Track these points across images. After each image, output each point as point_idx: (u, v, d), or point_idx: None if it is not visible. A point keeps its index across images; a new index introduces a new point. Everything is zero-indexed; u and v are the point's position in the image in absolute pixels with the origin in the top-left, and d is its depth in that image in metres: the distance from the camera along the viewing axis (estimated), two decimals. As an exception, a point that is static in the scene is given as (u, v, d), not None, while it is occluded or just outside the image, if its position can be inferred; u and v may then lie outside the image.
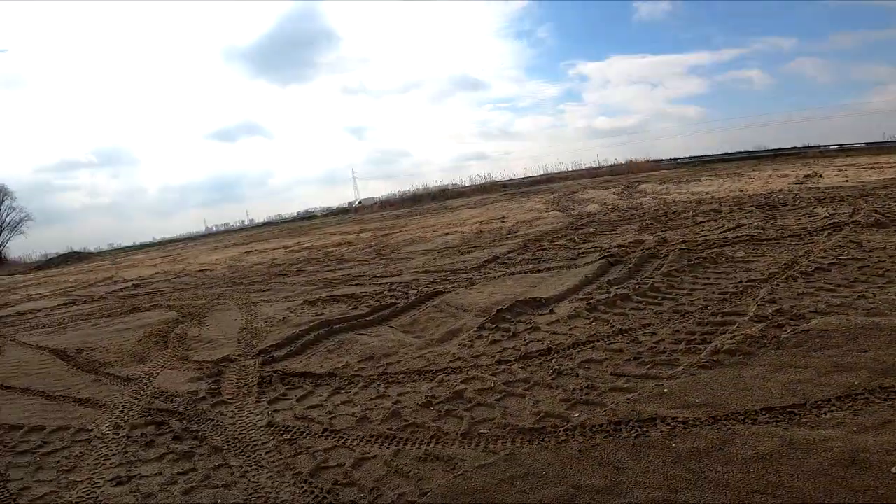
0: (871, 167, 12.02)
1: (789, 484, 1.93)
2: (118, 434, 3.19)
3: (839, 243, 4.66)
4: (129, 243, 34.31)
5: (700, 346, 3.21)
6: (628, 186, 12.76)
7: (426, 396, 3.10)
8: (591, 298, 4.41)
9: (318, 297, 5.99)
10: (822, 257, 4.33)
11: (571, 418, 2.62)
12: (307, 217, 30.92)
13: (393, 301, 5.24)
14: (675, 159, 24.65)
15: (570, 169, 24.24)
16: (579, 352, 3.44)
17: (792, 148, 25.12)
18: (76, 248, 26.99)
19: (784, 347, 3.00)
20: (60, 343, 5.46)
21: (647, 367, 3.06)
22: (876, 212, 5.85)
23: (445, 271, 6.38)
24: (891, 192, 7.48)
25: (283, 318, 5.28)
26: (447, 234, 9.85)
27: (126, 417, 3.42)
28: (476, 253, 7.37)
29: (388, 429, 2.82)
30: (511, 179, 24.11)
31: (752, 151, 24.56)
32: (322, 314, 5.18)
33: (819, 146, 24.30)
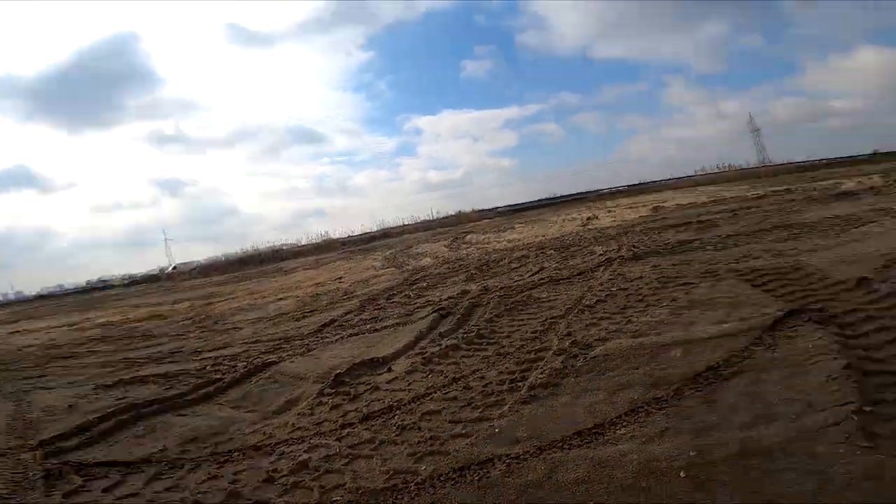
0: (630, 207, 15.45)
1: (608, 501, 2.19)
2: None
3: (611, 276, 5.78)
4: None
5: (520, 384, 3.54)
6: (457, 238, 13.92)
7: (267, 472, 2.88)
8: (426, 352, 4.58)
9: (118, 379, 5.17)
10: (600, 290, 5.29)
11: (420, 471, 2.66)
12: (102, 287, 25.74)
13: (218, 377, 4.76)
14: (496, 208, 27.97)
15: (407, 223, 25.49)
16: (419, 405, 3.53)
17: (578, 193, 30.88)
18: None
19: (581, 374, 3.50)
20: None
21: (480, 410, 3.27)
22: (634, 246, 7.47)
23: (279, 339, 6.04)
24: (643, 228, 9.69)
25: (70, 405, 4.48)
26: (281, 299, 9.27)
27: None
28: (312, 318, 7.09)
29: None
30: (349, 236, 24.16)
31: (551, 198, 29.37)
32: (124, 398, 4.50)
33: (597, 190, 30.41)
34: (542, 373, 3.64)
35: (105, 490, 2.98)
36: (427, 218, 26.16)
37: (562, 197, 29.57)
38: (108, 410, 4.17)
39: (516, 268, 7.28)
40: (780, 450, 2.29)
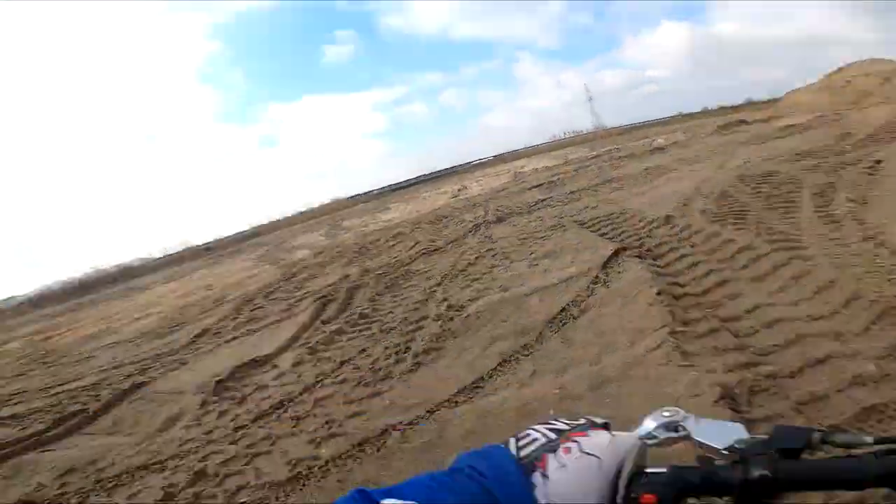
0: (495, 175, 16.55)
1: None
2: None
3: (479, 240, 6.26)
4: None
5: (405, 355, 3.71)
6: (333, 225, 13.58)
7: (164, 488, 2.72)
8: (311, 341, 4.52)
9: None
10: (471, 254, 5.71)
11: (321, 455, 2.69)
12: None
13: (80, 408, 4.25)
14: (372, 191, 27.66)
15: (280, 218, 23.95)
16: (311, 394, 3.51)
17: (450, 167, 31.94)
18: None
19: (458, 335, 3.79)
20: None
21: (371, 386, 3.35)
22: (498, 210, 8.12)
23: (145, 359, 5.44)
24: (506, 192, 10.52)
25: None
26: (140, 318, 8.22)
27: None
28: (181, 331, 6.44)
29: None
30: (215, 240, 21.93)
31: (424, 175, 29.95)
32: None
33: (466, 163, 31.78)
34: (422, 340, 3.86)
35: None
36: (301, 210, 24.93)
37: (435, 173, 30.29)
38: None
39: (393, 245, 7.43)
40: (624, 377, 2.62)
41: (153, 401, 4.16)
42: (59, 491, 2.98)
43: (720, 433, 0.51)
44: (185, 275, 12.75)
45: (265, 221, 23.12)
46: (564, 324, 3.49)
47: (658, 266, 3.98)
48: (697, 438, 0.54)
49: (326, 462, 2.63)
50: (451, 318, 4.06)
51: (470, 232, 6.90)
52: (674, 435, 0.56)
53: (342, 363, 3.91)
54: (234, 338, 5.44)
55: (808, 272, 3.31)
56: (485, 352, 3.44)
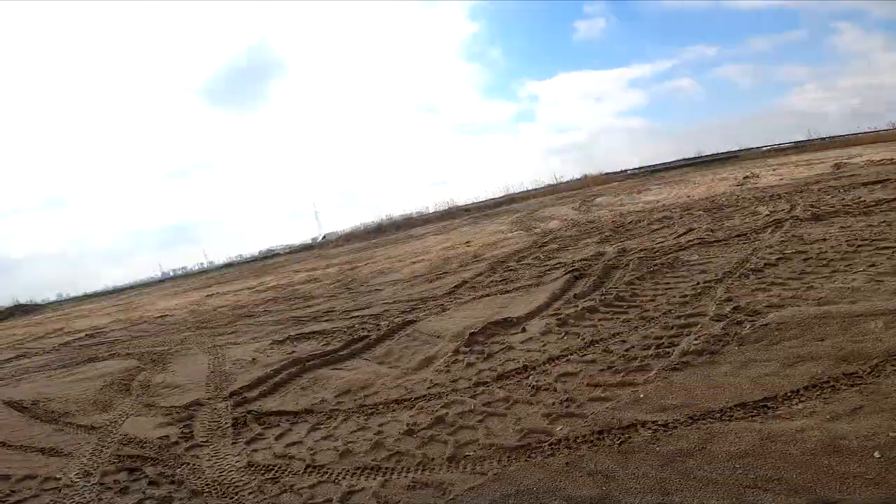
0: (801, 164, 13.02)
1: (777, 476, 1.98)
2: (89, 482, 3.09)
3: (782, 238, 4.98)
4: (80, 293, 31.73)
5: (668, 350, 3.32)
6: (585, 201, 13.22)
7: (408, 425, 3.09)
8: (561, 313, 4.50)
9: (287, 335, 5.90)
10: (769, 253, 4.61)
11: (554, 432, 2.65)
12: (269, 256, 30.17)
13: (365, 334, 5.20)
14: (626, 171, 25.76)
15: (531, 188, 24.91)
16: (554, 366, 3.50)
17: (729, 152, 26.84)
18: (22, 301, 24.99)
19: (746, 343, 3.14)
20: (14, 395, 5.16)
21: (622, 374, 3.14)
22: (812, 206, 6.31)
23: (416, 300, 6.38)
24: (822, 186, 8.10)
25: (253, 359, 5.17)
26: (414, 262, 9.85)
27: (95, 464, 3.31)
28: (445, 279, 7.40)
29: (372, 460, 2.78)
30: (474, 203, 24.45)
31: (694, 158, 26.03)
32: (293, 353, 5.10)
33: (753, 148, 26.11)
34: (696, 339, 3.34)
35: (277, 438, 3.34)
36: (551, 182, 25.26)
37: (708, 156, 26.05)
38: (282, 363, 4.67)
39: (657, 229, 6.69)
40: None
41: (416, 339, 4.75)
42: (334, 408, 3.60)
43: None
44: (449, 230, 14.68)
45: (518, 190, 24.42)
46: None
47: None
48: None
49: (559, 441, 2.56)
50: (740, 322, 3.38)
51: (767, 227, 5.58)
52: None
53: (592, 342, 3.76)
54: (487, 294, 5.87)
55: None
56: (784, 369, 2.75)
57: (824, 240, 4.64)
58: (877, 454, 1.96)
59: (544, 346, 3.93)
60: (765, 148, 26.03)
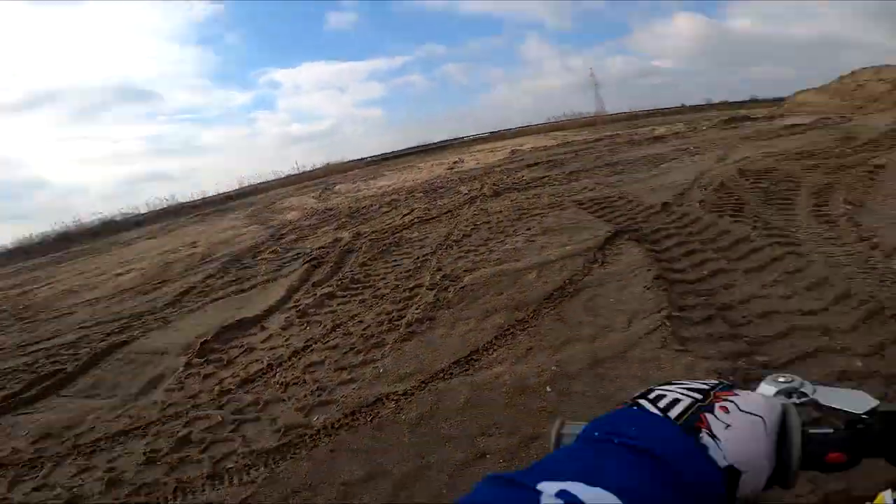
0: (492, 151, 16.36)
1: (494, 422, 2.36)
2: None
3: (475, 213, 6.19)
4: None
5: (398, 323, 3.69)
6: (326, 189, 13.33)
7: (145, 453, 2.66)
8: (300, 304, 4.47)
9: None
10: (466, 226, 5.65)
11: (312, 423, 2.66)
12: None
13: (57, 367, 4.14)
14: (366, 158, 27.18)
15: (270, 179, 23.42)
16: (300, 359, 3.46)
17: (447, 140, 31.54)
18: None
19: (452, 306, 3.77)
20: None
21: (363, 353, 3.32)
22: (495, 185, 8.03)
23: (126, 317, 5.29)
24: (503, 168, 10.41)
25: None
26: (120, 274, 8.02)
27: None
28: (165, 288, 6.31)
29: (114, 499, 2.33)
30: (203, 198, 21.36)
31: (420, 146, 29.52)
32: None
33: (464, 137, 31.39)
34: (417, 309, 3.82)
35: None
36: (292, 172, 24.42)
37: (430, 144, 29.88)
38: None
39: (387, 212, 7.35)
40: (619, 357, 2.63)
41: (133, 362, 4.06)
42: (35, 455, 2.89)
43: (849, 400, 0.50)
44: (170, 231, 12.47)
45: (256, 182, 22.61)
46: (560, 301, 3.48)
47: (655, 251, 3.98)
48: (827, 404, 0.53)
49: (318, 431, 2.59)
50: (446, 288, 4.03)
51: (465, 204, 6.83)
52: (795, 401, 0.54)
53: (333, 328, 3.87)
54: (220, 297, 5.34)
55: (801, 268, 3.34)
56: (480, 324, 3.42)
57: (500, 211, 5.99)
58: (548, 388, 2.51)
59: (287, 340, 3.84)
60: (470, 137, 31.65)
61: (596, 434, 0.42)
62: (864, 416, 0.48)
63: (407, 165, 16.99)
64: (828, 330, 2.62)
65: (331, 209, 9.07)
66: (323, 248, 6.11)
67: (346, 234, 6.42)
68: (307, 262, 5.67)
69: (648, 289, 3.25)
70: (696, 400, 0.45)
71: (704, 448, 0.41)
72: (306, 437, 2.57)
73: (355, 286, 4.68)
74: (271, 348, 3.76)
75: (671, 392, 0.46)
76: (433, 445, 2.35)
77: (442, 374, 2.91)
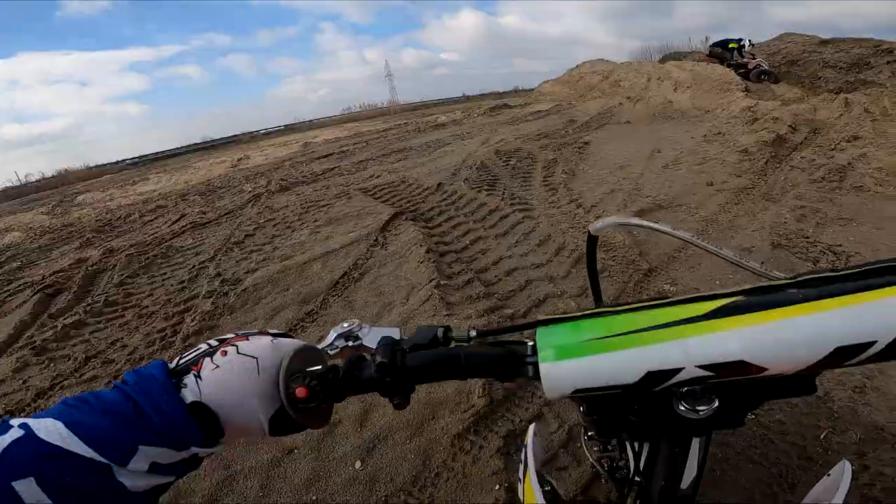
0: (283, 145, 15.47)
1: None
2: None
3: (259, 211, 5.82)
4: None
5: (172, 339, 3.27)
6: (63, 201, 10.61)
7: None
8: (36, 341, 3.54)
9: None
10: (249, 225, 5.28)
11: None
12: None
13: None
14: (124, 161, 22.55)
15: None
16: (48, 399, 2.83)
17: (231, 136, 28.48)
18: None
19: (235, 310, 3.51)
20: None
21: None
22: (282, 180, 7.65)
23: None
24: (292, 162, 9.97)
25: None
26: None
27: None
28: None
29: None
30: None
31: (199, 143, 25.99)
32: None
33: (253, 132, 28.79)
34: (193, 321, 3.45)
35: None
36: (11, 184, 18.65)
37: (212, 141, 26.64)
38: None
39: (151, 220, 6.28)
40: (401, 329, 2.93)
41: None
42: None
43: (379, 339, 0.53)
44: None
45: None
46: (346, 287, 3.58)
47: (429, 227, 4.42)
48: (367, 345, 0.59)
49: None
50: (226, 294, 3.72)
51: (249, 202, 6.34)
52: (351, 343, 0.60)
53: (87, 359, 3.21)
54: None
55: (533, 229, 4.16)
56: (268, 323, 3.29)
57: (287, 206, 5.77)
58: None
59: (24, 383, 3.03)
60: (260, 132, 29.26)
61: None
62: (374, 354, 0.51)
63: (182, 166, 14.77)
64: (552, 278, 3.33)
65: (70, 225, 7.28)
66: (61, 272, 4.90)
67: (94, 253, 5.26)
68: (38, 291, 4.49)
69: (422, 262, 3.59)
70: (210, 347, 0.50)
71: (181, 388, 0.45)
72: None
73: (112, 309, 3.94)
74: (4, 394, 2.95)
75: (203, 344, 0.51)
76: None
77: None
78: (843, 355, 0.40)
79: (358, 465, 1.95)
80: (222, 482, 1.98)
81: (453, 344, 0.52)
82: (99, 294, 4.23)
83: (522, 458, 0.84)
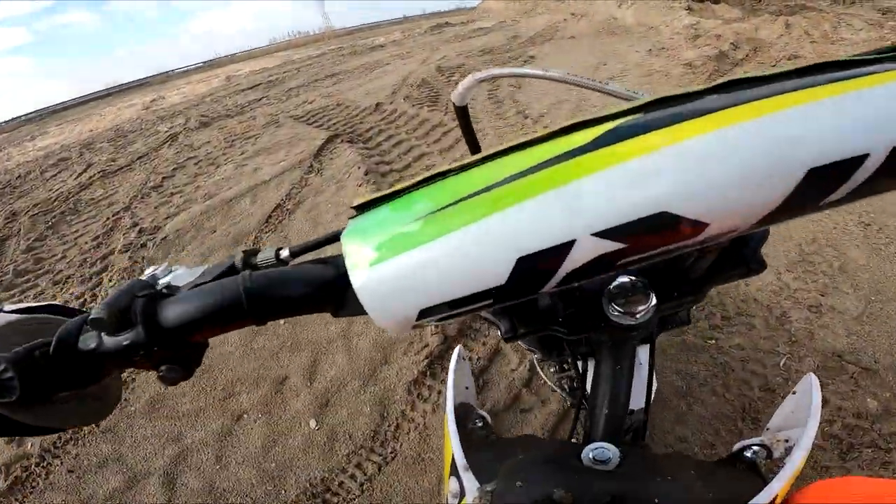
0: (202, 81, 13.93)
1: (237, 376, 2.14)
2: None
3: (177, 150, 5.18)
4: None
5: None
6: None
7: None
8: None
9: None
10: (167, 167, 4.70)
11: None
12: None
13: None
14: (19, 117, 19.78)
15: None
16: None
17: (143, 78, 25.44)
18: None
19: (156, 262, 3.16)
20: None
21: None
22: (202, 115, 6.85)
23: None
24: (213, 97, 8.95)
25: None
26: None
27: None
28: None
29: None
30: None
31: (104, 90, 23.11)
32: None
33: (168, 71, 25.78)
34: (111, 281, 3.07)
35: None
36: None
37: (117, 86, 23.77)
38: None
39: (55, 175, 5.50)
40: None
41: None
42: None
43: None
44: None
45: None
46: (281, 221, 3.26)
47: (368, 148, 4.06)
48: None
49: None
50: (144, 245, 3.31)
51: (165, 143, 5.63)
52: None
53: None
54: None
55: (480, 140, 3.89)
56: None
57: (209, 142, 5.16)
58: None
59: None
60: (177, 70, 26.25)
61: None
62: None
63: (84, 115, 13.09)
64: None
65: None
66: (-49, 244, 4.25)
67: (-9, 217, 4.58)
68: (-74, 268, 3.88)
69: (360, 185, 3.30)
70: None
71: None
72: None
73: (24, 278, 3.47)
74: None
75: None
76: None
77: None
78: (820, 184, 0.26)
79: (313, 423, 1.79)
80: (176, 459, 1.79)
81: (247, 274, 0.34)
82: (8, 264, 3.70)
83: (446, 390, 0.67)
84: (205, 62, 27.86)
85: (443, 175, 0.30)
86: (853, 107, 0.25)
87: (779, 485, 0.42)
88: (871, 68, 0.26)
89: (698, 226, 0.26)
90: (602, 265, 0.28)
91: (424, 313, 0.29)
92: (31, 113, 19.96)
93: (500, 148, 0.30)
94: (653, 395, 0.50)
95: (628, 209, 0.26)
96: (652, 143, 0.26)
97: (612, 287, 0.43)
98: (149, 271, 0.41)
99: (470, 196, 0.28)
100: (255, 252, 0.41)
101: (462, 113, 0.74)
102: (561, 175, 0.26)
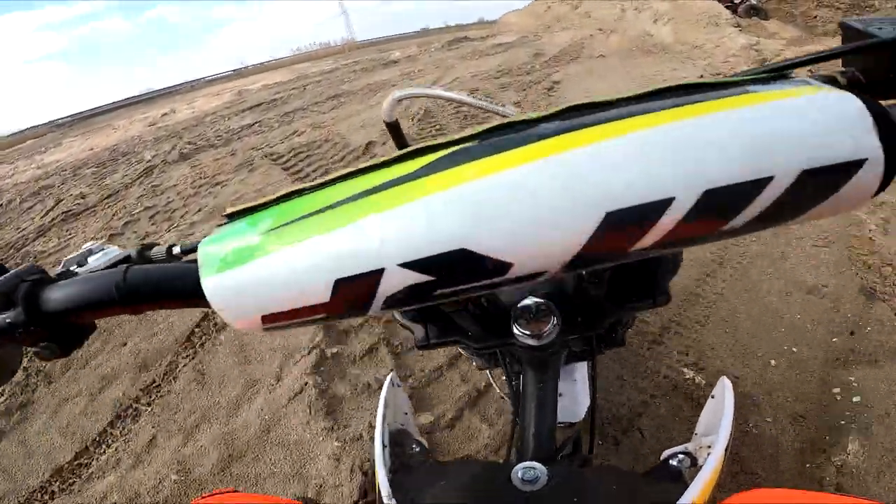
0: (216, 94, 13.82)
1: None
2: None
3: (142, 192, 4.57)
4: None
5: None
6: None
7: None
8: None
9: None
10: (122, 217, 4.14)
11: None
12: None
13: None
14: (37, 126, 20.31)
15: None
16: None
17: (172, 86, 25.95)
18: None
19: (54, 381, 2.64)
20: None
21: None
22: (189, 143, 6.44)
23: None
24: (215, 117, 8.61)
25: None
26: None
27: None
28: None
29: None
30: None
31: (137, 95, 23.62)
32: None
33: (194, 81, 26.27)
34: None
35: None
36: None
37: (150, 93, 24.29)
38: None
39: (29, 207, 5.04)
40: None
41: None
42: None
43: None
44: None
45: None
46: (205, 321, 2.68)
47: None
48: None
49: None
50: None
51: (138, 179, 5.19)
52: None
53: None
54: None
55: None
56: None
57: (176, 185, 4.65)
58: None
59: None
60: (207, 79, 26.75)
61: None
62: None
63: (105, 124, 13.12)
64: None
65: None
66: None
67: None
68: None
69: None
70: None
71: None
72: None
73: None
74: None
75: None
76: None
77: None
78: (622, 228, 0.25)
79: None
80: None
81: (124, 268, 0.35)
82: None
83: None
84: (234, 71, 28.41)
85: (299, 192, 0.32)
86: (662, 143, 0.24)
87: (692, 494, 0.41)
88: (726, 91, 0.27)
89: (502, 265, 0.27)
90: (418, 294, 0.29)
91: (267, 319, 0.32)
92: (66, 117, 20.53)
93: (352, 169, 0.32)
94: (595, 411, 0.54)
95: (427, 244, 0.27)
96: (463, 175, 0.27)
97: (518, 307, 0.47)
98: (86, 245, 0.47)
99: (306, 216, 0.30)
100: (151, 246, 0.48)
101: (392, 128, 0.87)
102: (382, 202, 0.28)
